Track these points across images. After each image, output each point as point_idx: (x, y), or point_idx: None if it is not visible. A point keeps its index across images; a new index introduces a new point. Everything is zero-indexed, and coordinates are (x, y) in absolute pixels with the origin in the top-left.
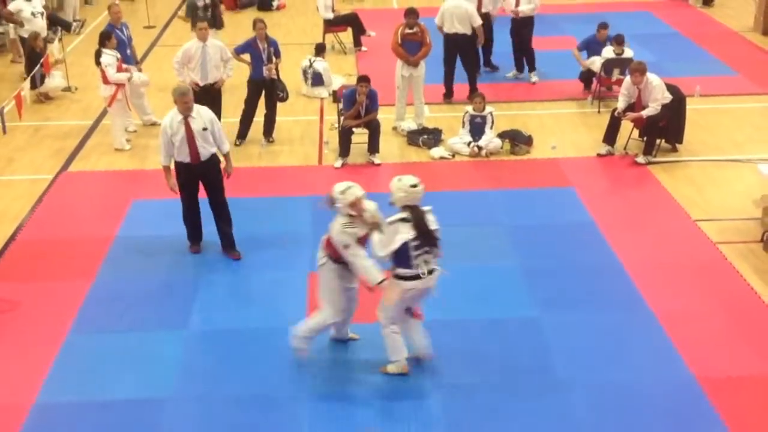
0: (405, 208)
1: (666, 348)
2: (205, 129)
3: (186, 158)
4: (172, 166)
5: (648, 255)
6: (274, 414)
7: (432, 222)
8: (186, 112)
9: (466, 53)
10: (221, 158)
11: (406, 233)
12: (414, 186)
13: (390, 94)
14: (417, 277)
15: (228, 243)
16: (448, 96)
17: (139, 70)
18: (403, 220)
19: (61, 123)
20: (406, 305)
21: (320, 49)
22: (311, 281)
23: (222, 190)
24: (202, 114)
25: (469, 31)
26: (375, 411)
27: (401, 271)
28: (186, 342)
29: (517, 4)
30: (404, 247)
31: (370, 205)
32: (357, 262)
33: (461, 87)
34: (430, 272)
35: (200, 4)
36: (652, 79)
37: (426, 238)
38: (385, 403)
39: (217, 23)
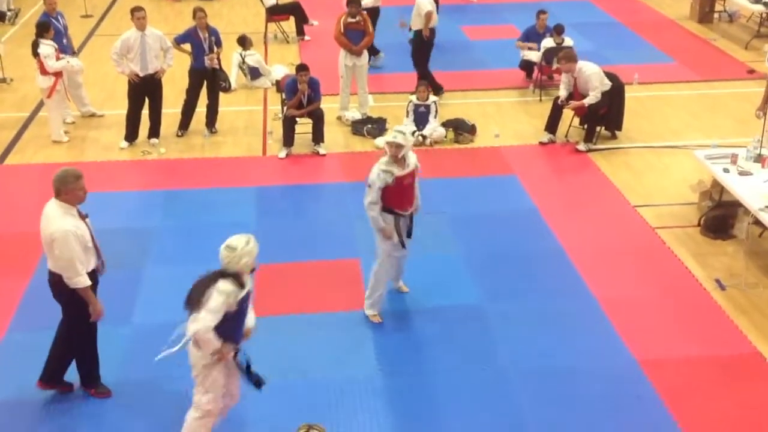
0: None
1: (607, 332)
2: None
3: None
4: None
5: (589, 241)
6: None
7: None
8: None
9: None
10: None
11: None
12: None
13: (334, 83)
14: None
15: (81, 376)
16: (440, 89)
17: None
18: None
19: None
20: None
21: (243, 42)
22: (256, 272)
23: (70, 324)
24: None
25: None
26: (318, 400)
27: None
28: (129, 337)
29: None
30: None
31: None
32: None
33: (410, 77)
34: None
35: None
36: (586, 67)
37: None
38: (329, 391)
39: None
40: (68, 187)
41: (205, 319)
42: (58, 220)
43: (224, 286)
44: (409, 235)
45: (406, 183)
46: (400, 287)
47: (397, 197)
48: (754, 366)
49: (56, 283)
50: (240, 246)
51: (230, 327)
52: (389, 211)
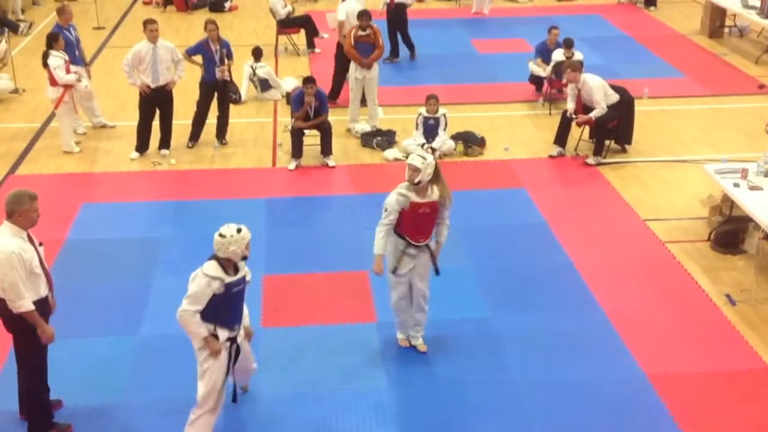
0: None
1: (617, 346)
2: None
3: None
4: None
5: (598, 254)
6: (229, 417)
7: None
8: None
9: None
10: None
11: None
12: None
13: (343, 95)
14: None
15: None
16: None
17: (88, 72)
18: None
19: (9, 125)
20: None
21: (257, 54)
22: (265, 284)
23: (21, 355)
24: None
25: None
26: (326, 411)
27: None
28: (137, 347)
29: None
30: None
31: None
32: (379, 228)
33: (419, 89)
34: None
35: None
36: (589, 79)
37: None
38: (337, 403)
39: None
40: (23, 208)
41: (182, 304)
42: (3, 241)
43: (207, 268)
44: (437, 272)
45: (422, 212)
46: (418, 346)
47: (410, 225)
48: (764, 381)
49: (4, 310)
50: (229, 234)
51: (219, 310)
52: (401, 237)
